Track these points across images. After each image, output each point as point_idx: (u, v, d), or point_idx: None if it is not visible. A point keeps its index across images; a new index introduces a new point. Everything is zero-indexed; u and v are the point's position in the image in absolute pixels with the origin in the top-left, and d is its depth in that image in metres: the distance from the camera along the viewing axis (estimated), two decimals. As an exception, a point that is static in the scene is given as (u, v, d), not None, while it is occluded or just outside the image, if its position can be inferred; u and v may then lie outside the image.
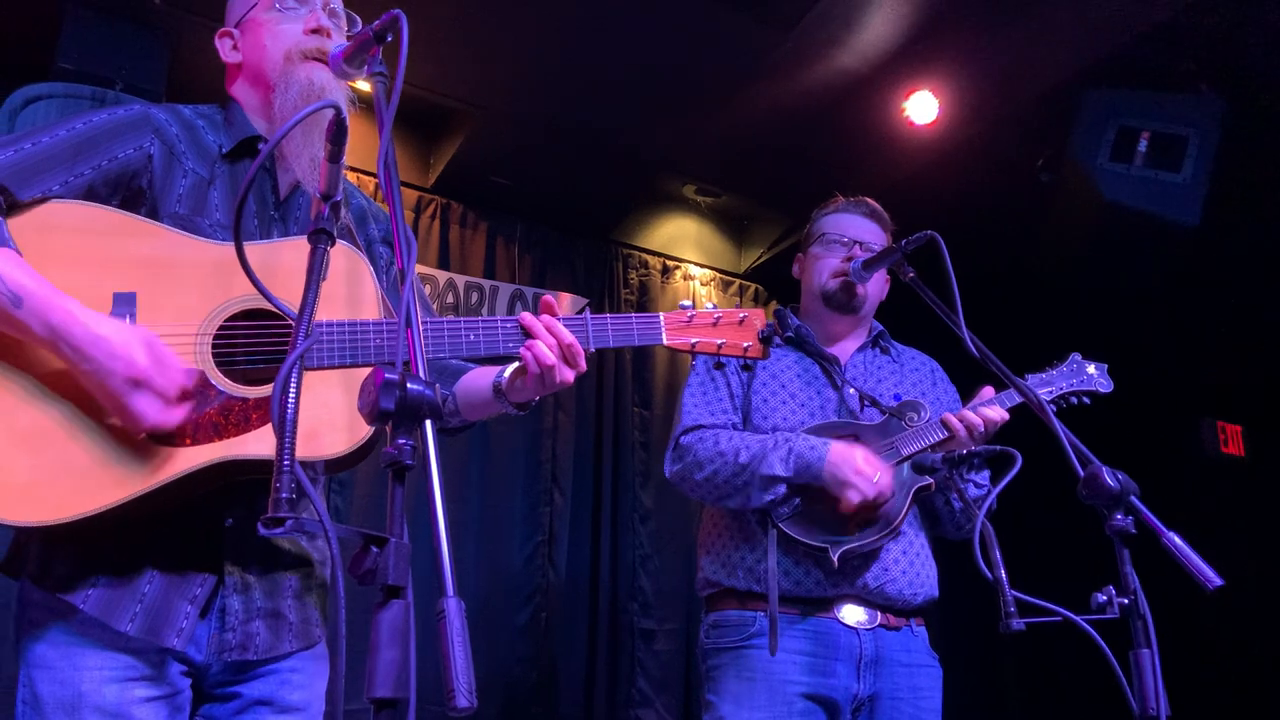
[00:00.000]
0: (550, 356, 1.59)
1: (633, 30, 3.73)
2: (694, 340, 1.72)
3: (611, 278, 5.20)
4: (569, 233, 5.10)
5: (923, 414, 2.33)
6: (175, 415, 1.45)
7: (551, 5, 3.61)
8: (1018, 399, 2.24)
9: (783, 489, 2.24)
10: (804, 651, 2.22)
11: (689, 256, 5.43)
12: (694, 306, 1.74)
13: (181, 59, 3.63)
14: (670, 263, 5.38)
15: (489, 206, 4.85)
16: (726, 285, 5.56)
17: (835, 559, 2.18)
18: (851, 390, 2.44)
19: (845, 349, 2.55)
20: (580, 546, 4.66)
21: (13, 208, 1.49)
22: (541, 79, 4.05)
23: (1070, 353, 2.47)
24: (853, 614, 2.26)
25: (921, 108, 4.08)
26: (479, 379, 1.80)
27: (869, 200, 2.61)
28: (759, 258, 5.50)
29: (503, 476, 4.52)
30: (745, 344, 1.73)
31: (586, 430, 4.87)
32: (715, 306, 1.74)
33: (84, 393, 1.45)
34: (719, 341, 1.72)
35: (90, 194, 1.56)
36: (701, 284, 5.46)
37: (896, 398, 2.45)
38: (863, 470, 2.19)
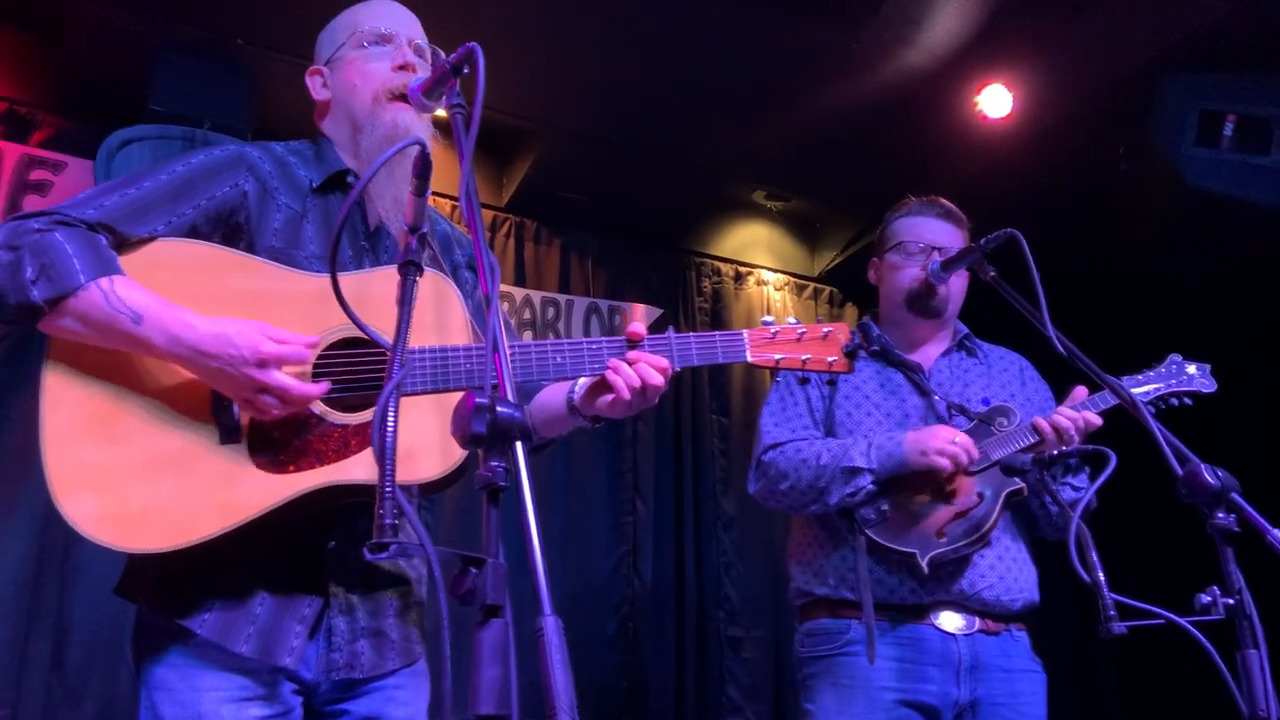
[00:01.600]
0: (638, 382, 1.61)
1: (697, 40, 3.75)
2: (778, 356, 1.73)
3: (685, 287, 5.21)
4: (641, 244, 5.13)
5: (1013, 419, 2.29)
6: (320, 387, 1.53)
7: (614, 20, 3.64)
8: (1113, 400, 2.19)
9: (865, 482, 2.24)
10: (898, 658, 2.21)
11: (761, 262, 5.42)
12: (776, 321, 1.75)
13: (264, 95, 3.76)
14: (743, 269, 5.37)
15: (561, 222, 4.91)
16: (800, 289, 5.53)
17: (925, 565, 2.17)
18: (937, 397, 2.41)
19: (929, 354, 2.52)
20: (664, 555, 4.68)
21: (122, 246, 1.58)
22: (608, 93, 4.09)
23: (1169, 354, 2.41)
24: (950, 620, 2.24)
25: (994, 101, 4.01)
26: (552, 395, 1.84)
27: (942, 200, 2.58)
28: (832, 260, 5.46)
29: (585, 489, 4.56)
30: (830, 358, 1.73)
31: (666, 439, 4.89)
32: (798, 321, 1.74)
33: (199, 418, 1.53)
34: (804, 357, 1.73)
35: (193, 231, 1.64)
36: (775, 289, 5.44)
37: (985, 401, 2.41)
38: (941, 435, 2.21)
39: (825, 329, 1.75)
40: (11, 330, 3.51)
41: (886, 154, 4.37)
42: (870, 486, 2.24)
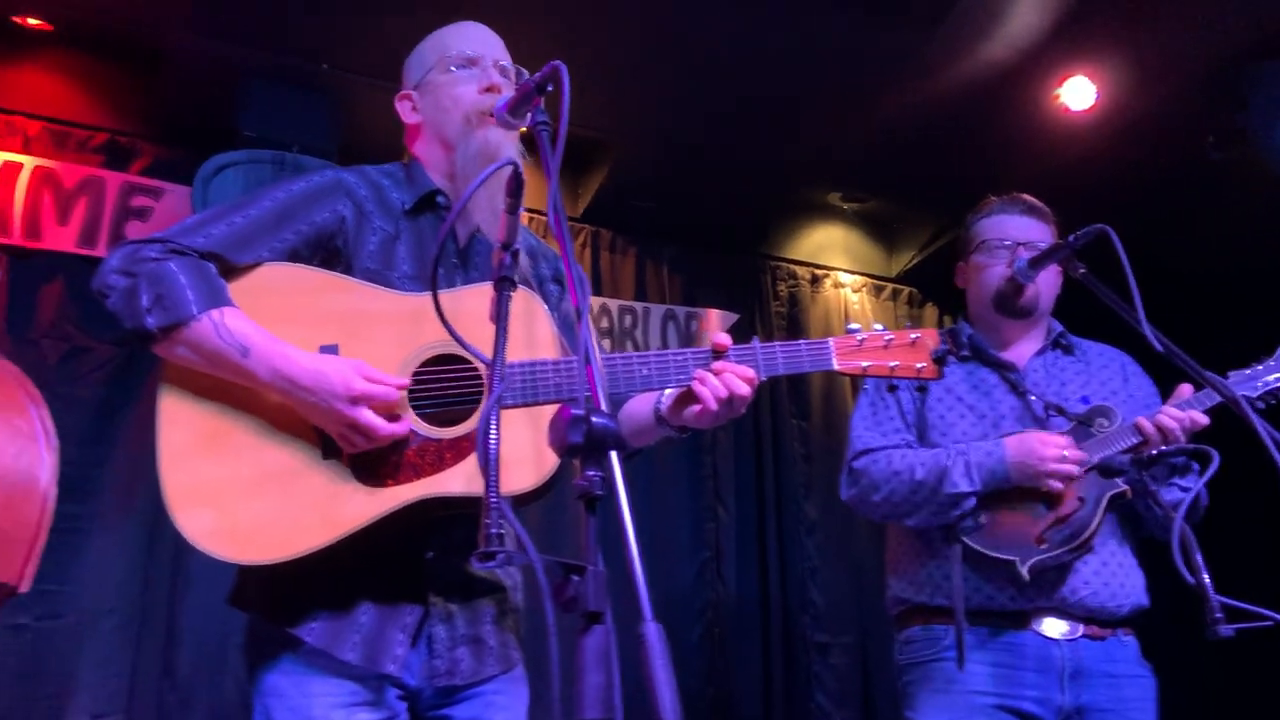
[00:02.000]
0: (725, 392, 1.63)
1: (769, 43, 3.74)
2: (865, 364, 1.72)
3: (760, 291, 5.21)
4: (716, 249, 5.14)
5: (1114, 419, 2.24)
6: (401, 428, 1.58)
7: (685, 27, 3.66)
8: (1218, 398, 2.13)
9: (971, 504, 2.21)
10: (997, 664, 2.19)
11: (838, 264, 5.38)
12: (862, 328, 1.74)
13: (348, 117, 3.87)
14: (819, 272, 5.35)
15: (636, 230, 4.95)
16: (878, 291, 5.48)
17: (1026, 572, 2.13)
18: (1034, 397, 2.36)
19: (1022, 353, 2.47)
20: (748, 561, 4.67)
21: (229, 272, 1.65)
22: (680, 101, 4.11)
23: (1278, 347, 2.32)
24: (1054, 626, 2.20)
25: (1077, 93, 3.92)
26: (639, 406, 1.86)
27: (1025, 197, 2.53)
28: (911, 260, 5.40)
29: (666, 495, 4.59)
30: (919, 365, 1.72)
31: (746, 445, 4.88)
32: (884, 327, 1.73)
33: (303, 435, 1.59)
34: (892, 364, 1.72)
35: (294, 256, 1.71)
36: (852, 291, 5.40)
37: (1085, 400, 2.35)
38: (1047, 451, 2.16)
39: (913, 335, 1.74)
40: (118, 351, 3.68)
41: (965, 151, 4.31)
42: (974, 504, 2.22)
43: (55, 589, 3.28)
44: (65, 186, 3.73)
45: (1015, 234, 2.45)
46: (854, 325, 1.77)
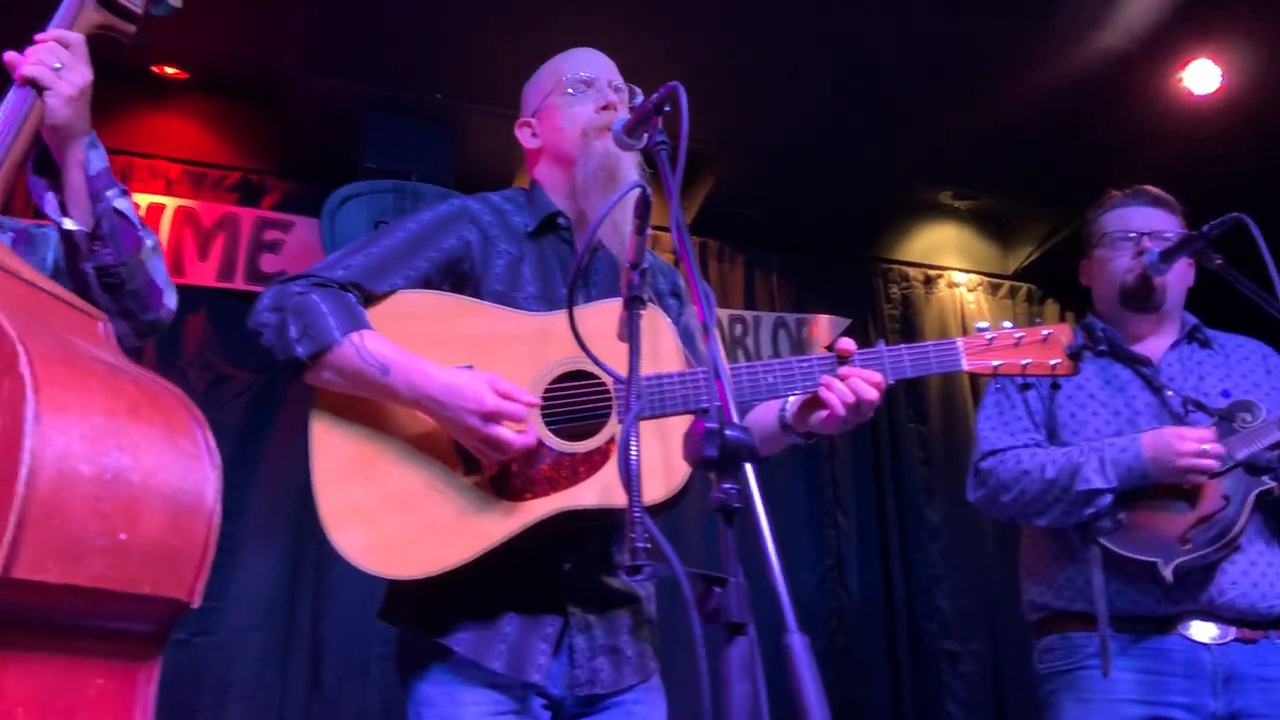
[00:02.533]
0: (852, 397, 1.63)
1: (874, 44, 3.72)
2: (996, 362, 1.70)
3: (872, 294, 5.15)
4: (825, 254, 5.11)
5: (1257, 413, 2.15)
6: (530, 438, 1.63)
7: (788, 33, 3.66)
8: None
9: (1106, 501, 2.15)
10: (1142, 670, 2.11)
11: (951, 263, 5.28)
12: (990, 326, 1.72)
13: (462, 144, 4.01)
14: (932, 272, 5.26)
15: (744, 239, 4.97)
16: (995, 289, 5.36)
17: (1169, 574, 2.06)
18: (1170, 393, 2.28)
19: (1155, 348, 2.38)
20: (870, 569, 4.62)
21: (368, 300, 1.74)
22: (784, 107, 4.11)
23: None
24: (1203, 630, 2.12)
25: (1201, 77, 3.77)
26: (764, 415, 1.87)
27: (1149, 188, 2.45)
28: (1028, 256, 5.26)
29: (784, 503, 4.57)
30: (1052, 361, 1.69)
31: (864, 450, 4.83)
32: (1014, 325, 1.71)
33: (444, 454, 1.66)
34: (1024, 361, 1.69)
35: (426, 282, 1.79)
36: (968, 290, 5.29)
37: (1225, 394, 2.26)
38: (1185, 445, 2.08)
39: (1045, 331, 1.71)
40: (257, 378, 3.88)
41: (1082, 142, 4.19)
42: (1110, 501, 2.15)
43: (210, 605, 3.48)
44: (204, 224, 3.96)
45: (1140, 224, 2.37)
46: (983, 324, 1.74)
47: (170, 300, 1.73)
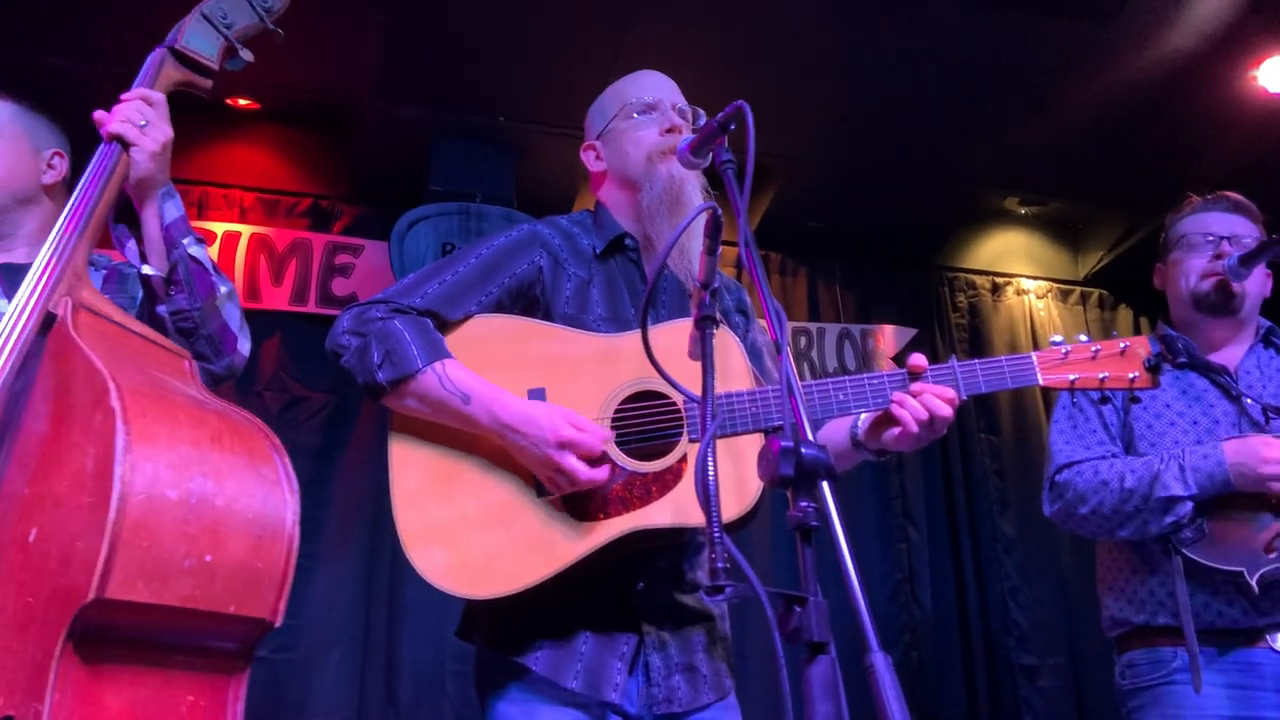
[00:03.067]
0: (926, 414, 1.62)
1: (936, 53, 3.69)
2: (1072, 376, 1.67)
3: (939, 304, 5.09)
4: (889, 265, 5.07)
5: None
6: (601, 473, 1.64)
7: (848, 42, 3.65)
8: None
9: (1186, 509, 2.09)
10: (1231, 685, 2.06)
11: (1020, 270, 5.20)
12: (1066, 340, 1.70)
13: (526, 165, 4.06)
14: (1000, 280, 5.17)
15: (806, 251, 4.95)
16: (1065, 295, 5.25)
17: (1255, 584, 2.00)
18: (1250, 400, 2.22)
19: (1231, 356, 2.32)
20: (943, 582, 4.55)
21: (443, 326, 1.78)
22: (845, 119, 4.09)
23: None
24: None
25: (1275, 75, 3.67)
26: (835, 432, 1.86)
27: (1229, 194, 2.39)
28: (1099, 261, 5.15)
29: (854, 517, 4.52)
30: (1131, 375, 1.65)
31: (933, 462, 4.77)
32: (1089, 338, 1.68)
33: (519, 475, 1.69)
34: (1101, 375, 1.66)
35: (499, 306, 1.82)
36: (1037, 297, 5.20)
37: None
38: (1270, 453, 2.03)
39: (1122, 344, 1.68)
40: (330, 399, 3.97)
41: (1154, 144, 4.11)
42: (1191, 510, 2.10)
43: (288, 623, 3.52)
44: (278, 250, 4.07)
45: (1217, 228, 2.32)
46: (1058, 337, 1.72)
47: (244, 346, 1.81)
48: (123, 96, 1.65)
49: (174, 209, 1.71)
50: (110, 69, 1.83)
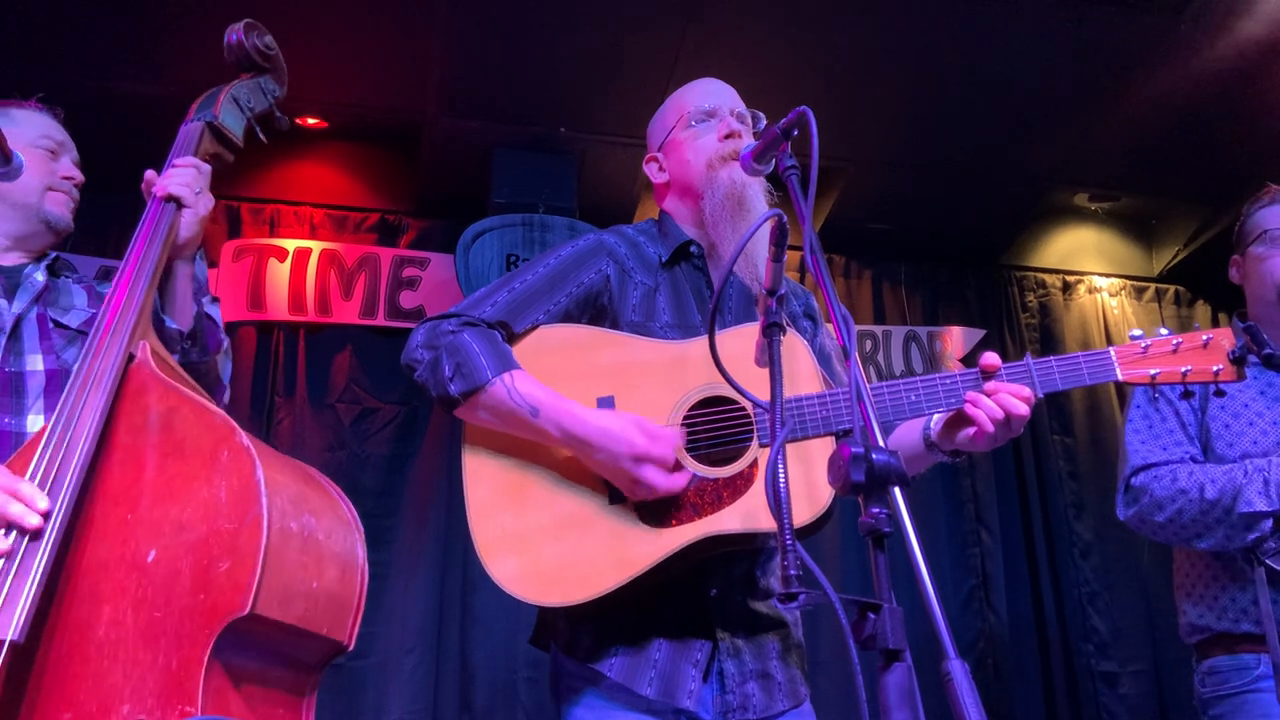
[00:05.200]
0: (1001, 414, 1.60)
1: (1000, 49, 3.63)
2: (1153, 371, 1.63)
3: (1008, 303, 5.00)
4: (956, 265, 5.00)
5: None
6: (679, 480, 1.65)
7: (910, 40, 3.61)
8: None
9: (1269, 525, 2.02)
10: (1320, 693, 1.98)
11: (1091, 268, 5.08)
12: (1145, 334, 1.66)
13: (587, 175, 4.09)
14: (1070, 278, 5.07)
15: (871, 253, 4.90)
16: (1140, 292, 5.12)
17: None
18: None
19: None
20: (1018, 587, 4.46)
21: (512, 337, 1.80)
22: (908, 118, 4.05)
23: None
24: None
25: (1359, 58, 3.54)
26: (907, 434, 1.84)
27: None
28: (1175, 257, 5.01)
29: (925, 521, 4.46)
30: (1215, 368, 1.61)
31: (1006, 465, 4.68)
32: (1170, 331, 1.64)
33: (590, 483, 1.70)
34: (1184, 369, 1.62)
35: (566, 316, 1.84)
36: (1110, 295, 5.08)
37: None
38: None
39: (1205, 336, 1.63)
40: (400, 410, 4.04)
41: (1227, 137, 3.99)
42: (1272, 526, 2.02)
43: (363, 631, 3.61)
44: (347, 265, 4.16)
45: None
46: (1137, 331, 1.68)
47: (225, 397, 1.96)
48: (177, 162, 1.79)
49: (201, 272, 1.87)
50: (189, 94, 1.91)
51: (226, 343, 1.94)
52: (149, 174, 1.78)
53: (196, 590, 1.28)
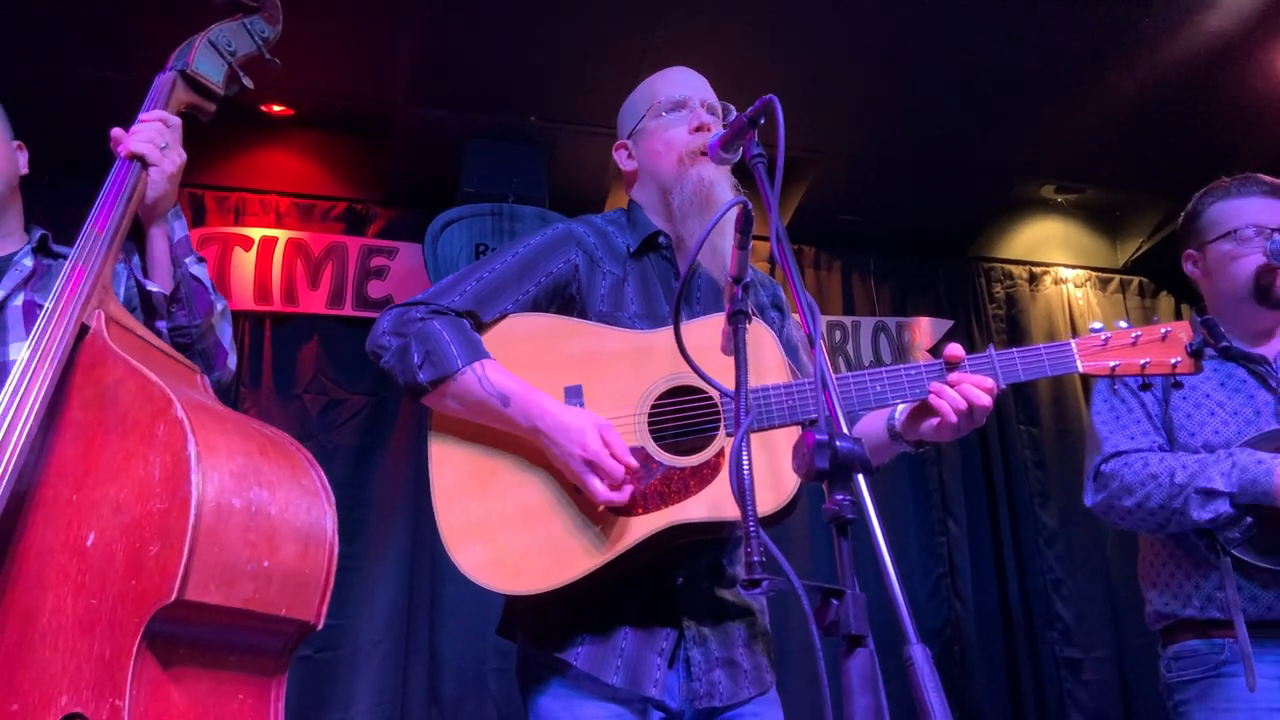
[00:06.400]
0: (964, 404, 1.61)
1: (968, 42, 3.65)
2: (1113, 363, 1.65)
3: (975, 295, 5.05)
4: (924, 256, 5.03)
5: None
6: (621, 495, 1.64)
7: (879, 31, 3.62)
8: None
9: (1224, 506, 2.04)
10: (1280, 677, 2.01)
11: (1057, 259, 5.14)
12: (1105, 327, 1.68)
13: (557, 165, 4.08)
14: (1037, 269, 5.12)
15: (840, 244, 4.92)
16: (1104, 283, 5.19)
17: None
18: None
19: (1272, 348, 2.27)
20: (984, 575, 4.51)
21: (480, 326, 1.79)
22: (877, 110, 4.07)
23: None
24: None
25: (1319, 54, 3.60)
26: (872, 424, 1.85)
27: (1263, 177, 2.31)
28: (1139, 248, 5.08)
29: (892, 510, 4.50)
30: (1173, 360, 1.63)
31: (972, 455, 4.73)
32: (1130, 324, 1.66)
33: (556, 472, 1.70)
34: (1142, 361, 1.64)
35: (535, 305, 1.83)
36: (1075, 286, 5.14)
37: None
38: None
39: (1164, 329, 1.66)
40: (368, 401, 4.01)
41: (1191, 129, 4.05)
42: (1229, 511, 2.05)
43: (332, 623, 3.59)
44: (314, 254, 4.12)
45: (1265, 218, 2.25)
46: (1097, 324, 1.70)
47: (232, 362, 1.86)
48: (142, 117, 1.70)
49: (180, 228, 1.77)
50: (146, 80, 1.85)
51: (221, 304, 1.83)
52: (115, 131, 1.69)
53: (129, 575, 1.22)
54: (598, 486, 1.63)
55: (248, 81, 1.85)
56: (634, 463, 1.66)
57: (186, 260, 1.76)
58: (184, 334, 1.74)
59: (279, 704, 1.39)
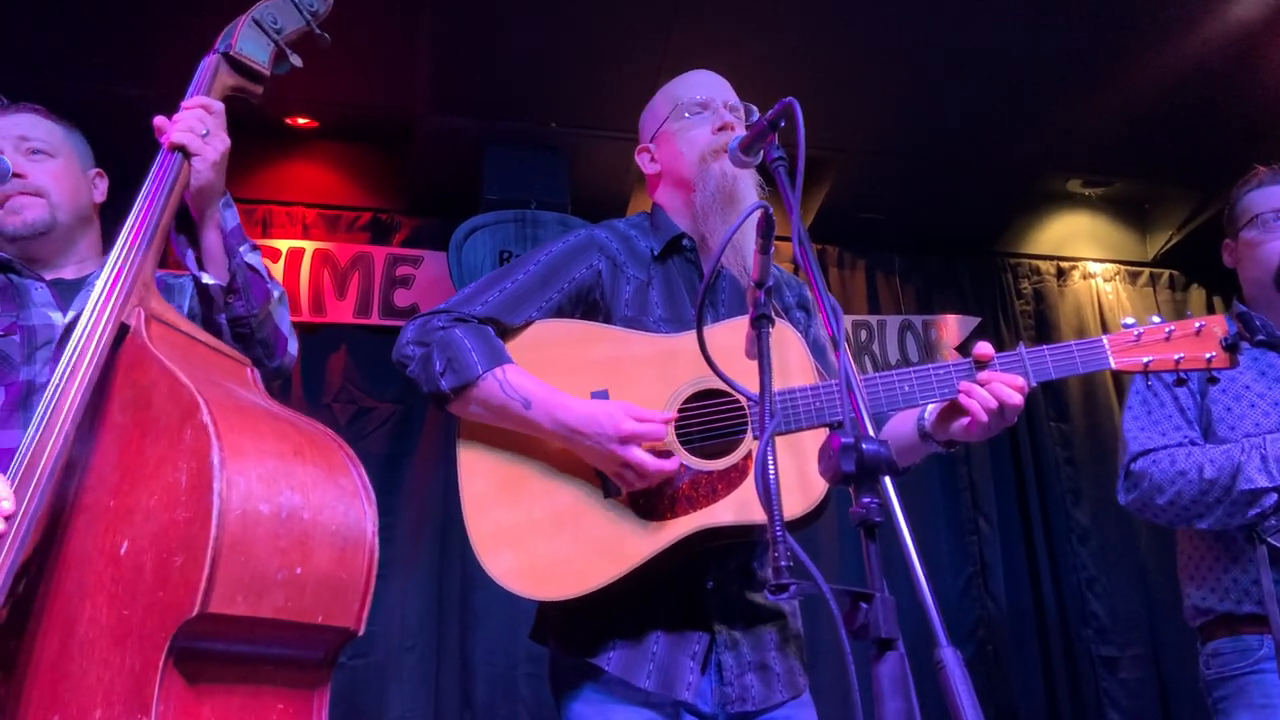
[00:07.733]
0: (995, 403, 1.60)
1: (991, 34, 3.62)
2: (1146, 359, 1.63)
3: (1002, 291, 5.00)
4: (949, 253, 5.00)
5: None
6: (671, 463, 1.64)
7: (900, 28, 3.60)
8: None
9: (1271, 500, 2.02)
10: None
11: (1085, 253, 5.08)
12: (1138, 322, 1.66)
13: (578, 170, 4.09)
14: (1065, 264, 5.07)
15: (864, 242, 4.90)
16: (1134, 277, 5.13)
17: None
18: None
19: None
20: (1017, 574, 4.47)
21: (505, 332, 1.80)
22: (900, 106, 4.04)
23: None
24: None
25: (1349, 39, 3.54)
26: (902, 424, 1.84)
27: None
28: (1168, 241, 5.02)
29: (923, 509, 4.47)
30: (1208, 355, 1.61)
31: (1002, 453, 4.68)
32: (1163, 319, 1.64)
33: (585, 477, 1.71)
34: (1176, 356, 1.62)
35: (559, 311, 1.84)
36: (1104, 280, 5.08)
37: None
38: None
39: (1198, 323, 1.63)
40: (396, 409, 4.04)
41: (1220, 118, 3.99)
42: (1276, 501, 2.03)
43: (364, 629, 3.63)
44: (340, 264, 4.15)
45: None
46: (1129, 319, 1.68)
47: (293, 348, 1.83)
48: (183, 105, 1.64)
49: (232, 218, 1.72)
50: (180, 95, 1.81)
51: (278, 291, 1.77)
52: (158, 120, 1.62)
53: (156, 586, 1.17)
54: (644, 457, 1.62)
55: (296, 60, 1.77)
56: (673, 415, 1.66)
57: (241, 249, 1.70)
58: (243, 324, 1.70)
59: (323, 712, 1.35)
